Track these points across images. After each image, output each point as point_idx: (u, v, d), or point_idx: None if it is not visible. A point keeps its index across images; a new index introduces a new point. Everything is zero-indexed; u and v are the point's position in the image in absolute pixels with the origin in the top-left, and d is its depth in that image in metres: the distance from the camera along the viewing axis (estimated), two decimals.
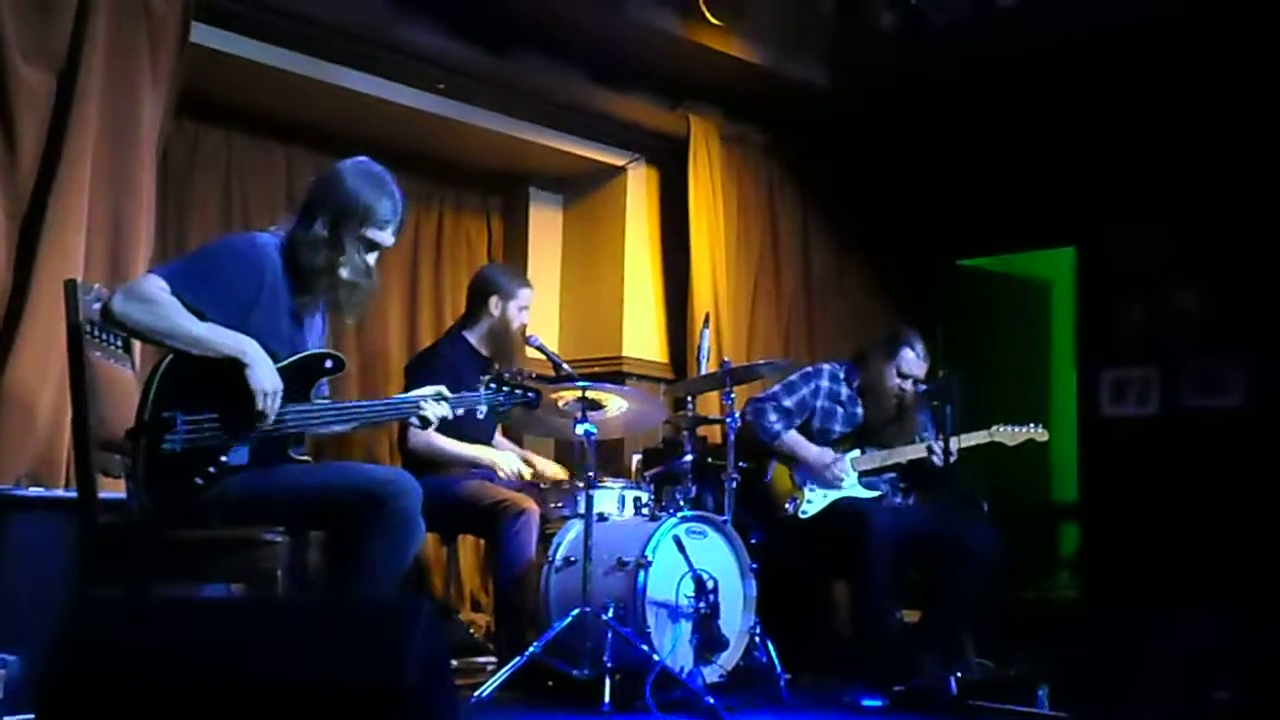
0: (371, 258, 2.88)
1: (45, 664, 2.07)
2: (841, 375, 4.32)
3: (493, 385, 3.07)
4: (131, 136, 3.67)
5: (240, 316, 2.71)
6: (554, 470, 4.31)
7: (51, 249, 3.42)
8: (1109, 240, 5.82)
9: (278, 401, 2.68)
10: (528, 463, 4.24)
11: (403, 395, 3.01)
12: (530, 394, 3.12)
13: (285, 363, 2.75)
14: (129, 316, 2.63)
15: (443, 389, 2.94)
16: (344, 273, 2.83)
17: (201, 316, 2.67)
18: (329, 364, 2.83)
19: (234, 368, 2.65)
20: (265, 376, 2.66)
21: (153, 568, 2.69)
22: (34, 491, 3.17)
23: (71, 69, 3.52)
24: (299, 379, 2.76)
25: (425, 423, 2.90)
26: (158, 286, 2.65)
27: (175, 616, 2.15)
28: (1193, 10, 4.70)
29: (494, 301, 4.15)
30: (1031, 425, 4.16)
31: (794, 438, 4.20)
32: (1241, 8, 4.68)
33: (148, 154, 3.72)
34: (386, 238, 2.88)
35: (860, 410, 4.27)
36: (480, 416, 3.97)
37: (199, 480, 2.63)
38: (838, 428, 4.26)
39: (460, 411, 2.97)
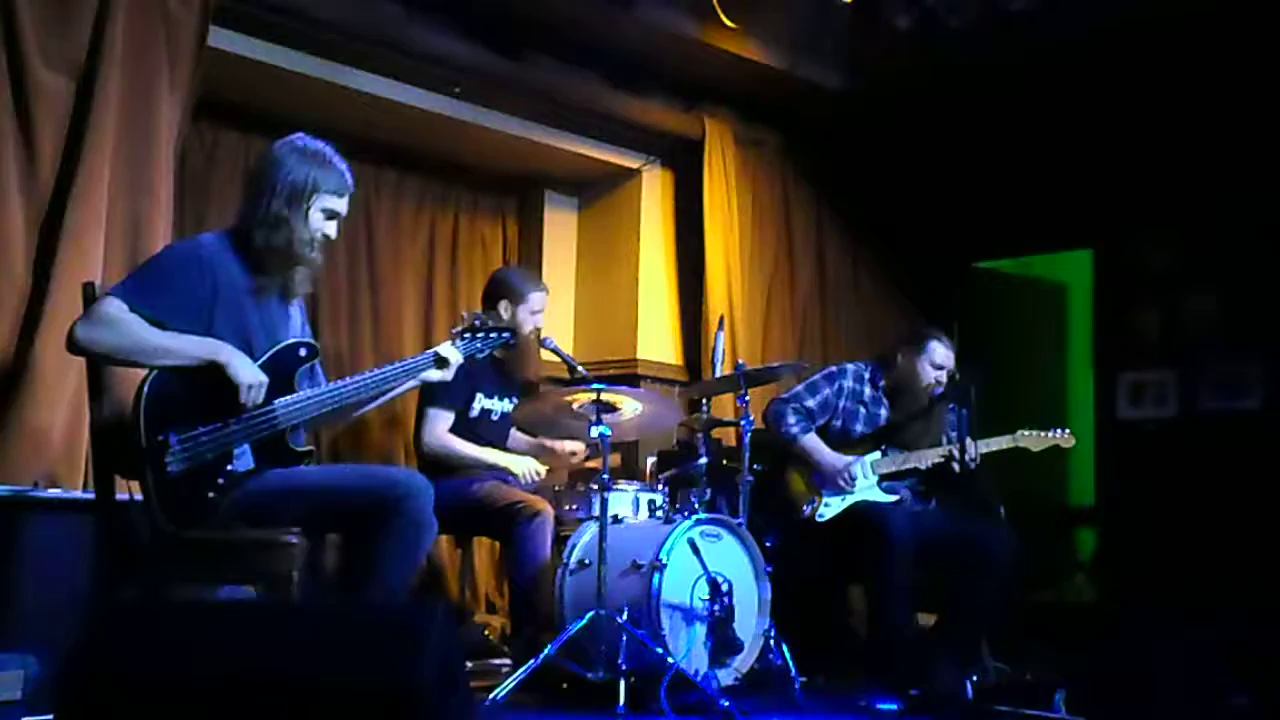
0: (331, 227, 2.89)
1: (64, 665, 2.09)
2: (866, 376, 4.29)
3: (466, 335, 3.05)
4: (150, 140, 3.70)
5: (204, 320, 2.71)
6: (571, 445, 4.28)
7: (71, 252, 3.44)
8: (1127, 242, 5.79)
9: (262, 393, 2.69)
10: (543, 453, 4.22)
11: (393, 364, 2.97)
12: (505, 334, 3.09)
13: (262, 359, 2.75)
14: (95, 341, 2.64)
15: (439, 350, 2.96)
16: (302, 248, 2.83)
17: (164, 328, 2.66)
18: (303, 352, 2.83)
19: (212, 371, 2.65)
20: (244, 369, 2.67)
21: (170, 570, 2.71)
22: (53, 493, 3.18)
23: (90, 74, 3.54)
24: (277, 372, 2.75)
25: (443, 365, 2.91)
26: (116, 307, 2.65)
27: (192, 618, 2.16)
28: (1210, 10, 4.68)
29: (504, 305, 4.14)
30: (1057, 430, 4.10)
31: (811, 441, 4.18)
32: (1260, 7, 4.65)
33: (166, 157, 3.74)
34: (343, 204, 2.90)
35: (884, 411, 4.25)
36: (474, 414, 3.98)
37: (211, 494, 2.64)
38: (859, 428, 4.24)
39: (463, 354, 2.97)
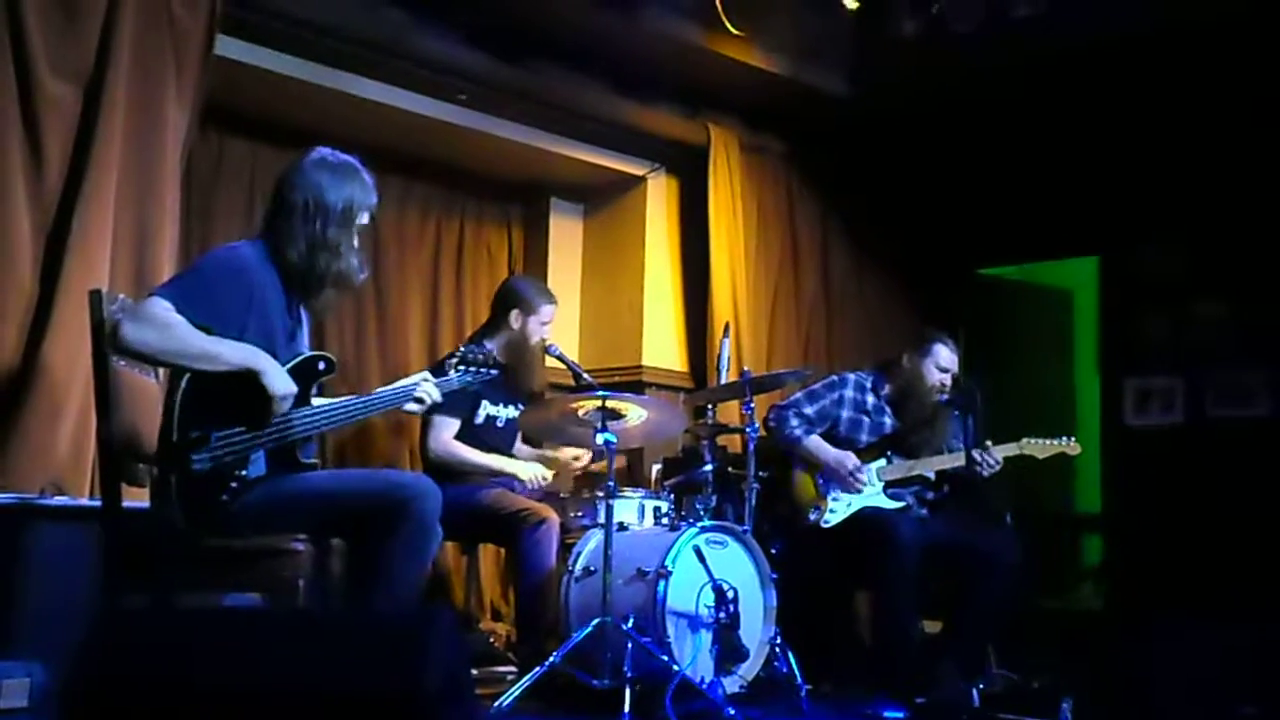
0: (356, 242, 2.93)
1: (70, 673, 2.09)
2: (868, 385, 4.28)
3: (460, 367, 3.08)
4: (156, 148, 3.71)
5: (238, 328, 2.74)
6: (572, 452, 4.29)
7: (77, 260, 3.45)
8: (1133, 249, 5.78)
9: (289, 404, 2.72)
10: (546, 462, 4.23)
11: (394, 385, 3.03)
12: (493, 370, 3.14)
13: (286, 368, 2.77)
14: (143, 342, 2.65)
15: (427, 374, 3.01)
16: (354, 275, 2.88)
17: (208, 332, 2.69)
18: (322, 365, 2.86)
19: (245, 378, 2.67)
20: (280, 381, 2.70)
21: (176, 577, 2.71)
22: (59, 500, 3.19)
23: (97, 82, 3.55)
24: (299, 383, 2.77)
25: (420, 403, 2.94)
26: (163, 308, 2.67)
27: (197, 626, 2.16)
28: (1217, 17, 4.68)
29: (515, 315, 4.15)
30: (1063, 438, 4.09)
31: (815, 442, 4.17)
32: (1266, 15, 4.64)
33: (172, 165, 3.75)
34: (368, 219, 2.94)
35: (887, 420, 4.24)
36: (479, 421, 4.02)
37: (224, 497, 2.66)
38: (864, 437, 4.23)
39: (440, 393, 2.98)
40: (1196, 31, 4.74)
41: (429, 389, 2.95)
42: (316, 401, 2.87)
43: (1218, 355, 5.48)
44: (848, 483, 4.10)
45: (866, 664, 4.07)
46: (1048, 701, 3.66)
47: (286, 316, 2.87)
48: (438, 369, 3.31)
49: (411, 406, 2.97)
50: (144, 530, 2.71)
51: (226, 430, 2.67)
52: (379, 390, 3.01)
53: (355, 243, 2.89)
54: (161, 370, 3.09)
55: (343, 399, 2.93)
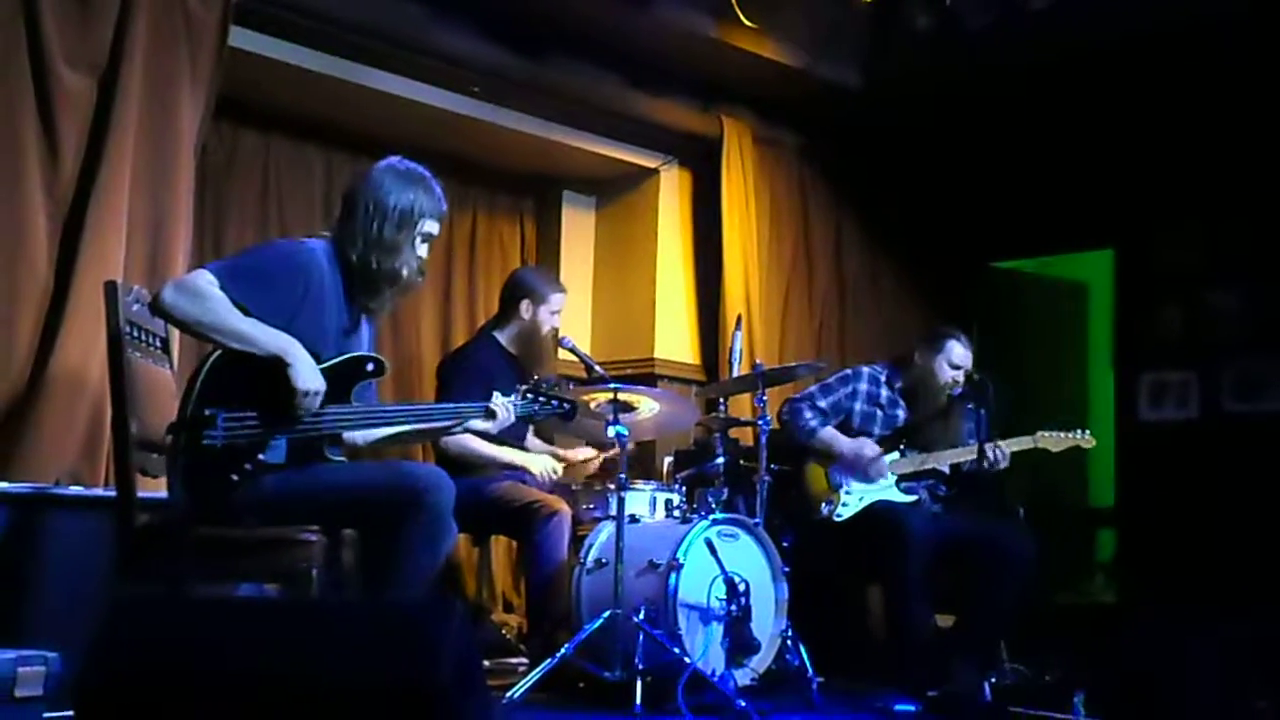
0: (425, 249, 2.97)
1: (84, 662, 2.10)
2: (882, 378, 4.27)
3: (529, 395, 3.09)
4: (171, 139, 3.72)
5: (285, 318, 2.75)
6: (584, 454, 4.30)
7: (92, 251, 3.46)
8: (1148, 242, 5.75)
9: (318, 401, 2.72)
10: (559, 459, 4.24)
11: (443, 404, 3.08)
12: (565, 405, 3.13)
13: (327, 364, 2.78)
14: (178, 308, 2.67)
15: (499, 394, 3.03)
16: (407, 273, 2.91)
17: (246, 313, 2.70)
18: (370, 366, 2.85)
19: (276, 366, 2.68)
20: (307, 375, 2.69)
21: (190, 567, 2.72)
22: (74, 490, 3.20)
23: (112, 73, 3.56)
24: (339, 381, 2.78)
25: (492, 417, 2.99)
26: (206, 281, 2.69)
27: (211, 615, 2.17)
28: (1231, 9, 4.65)
29: (525, 305, 4.15)
30: (1078, 431, 4.08)
31: (830, 433, 4.16)
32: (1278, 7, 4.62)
33: (186, 157, 3.76)
34: (438, 227, 2.99)
35: (901, 413, 4.23)
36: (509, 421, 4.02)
37: (235, 477, 2.66)
38: (877, 431, 4.21)
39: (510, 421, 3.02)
40: (1211, 24, 4.71)
41: (505, 404, 2.98)
42: (358, 405, 2.86)
43: (1233, 349, 5.45)
44: (866, 472, 4.08)
45: (878, 657, 4.07)
46: (1060, 695, 3.65)
47: (344, 317, 2.88)
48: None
49: (480, 424, 3.00)
50: (158, 518, 2.72)
51: (238, 413, 2.66)
52: (439, 404, 3.03)
53: (416, 246, 2.91)
54: (176, 361, 3.10)
55: (398, 404, 2.95)
